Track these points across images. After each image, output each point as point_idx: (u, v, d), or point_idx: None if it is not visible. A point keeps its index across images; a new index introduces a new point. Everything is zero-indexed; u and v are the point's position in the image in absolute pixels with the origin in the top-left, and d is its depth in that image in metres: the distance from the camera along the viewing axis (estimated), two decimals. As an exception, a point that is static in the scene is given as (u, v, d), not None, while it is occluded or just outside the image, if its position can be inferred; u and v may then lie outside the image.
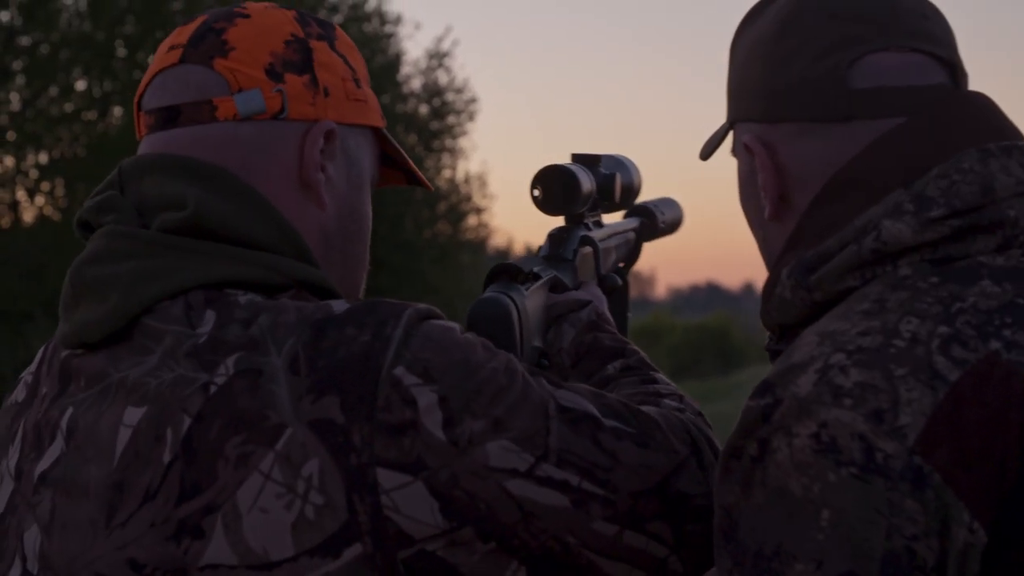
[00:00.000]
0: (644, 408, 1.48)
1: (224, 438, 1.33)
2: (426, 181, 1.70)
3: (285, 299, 1.42)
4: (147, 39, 19.32)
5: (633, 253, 2.09)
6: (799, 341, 1.33)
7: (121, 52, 19.81)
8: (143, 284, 1.41)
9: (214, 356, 1.37)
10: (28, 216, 19.83)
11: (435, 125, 24.44)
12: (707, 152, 1.63)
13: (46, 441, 1.44)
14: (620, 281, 1.91)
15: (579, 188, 1.81)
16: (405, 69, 24.43)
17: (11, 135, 19.26)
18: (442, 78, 24.61)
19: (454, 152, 24.91)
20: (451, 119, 24.64)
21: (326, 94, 1.53)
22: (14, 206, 19.69)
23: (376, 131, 1.63)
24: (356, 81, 1.58)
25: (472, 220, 25.38)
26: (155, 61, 1.55)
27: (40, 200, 19.86)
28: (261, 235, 1.45)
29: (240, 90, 1.49)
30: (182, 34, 1.54)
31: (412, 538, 1.33)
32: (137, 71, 19.39)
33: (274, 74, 1.50)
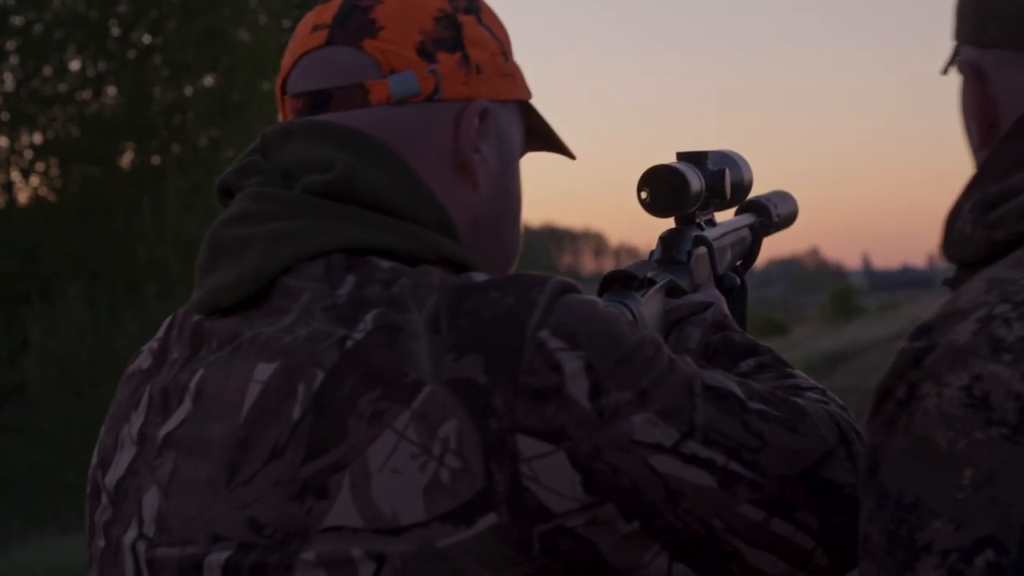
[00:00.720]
0: (791, 397, 1.40)
1: (358, 394, 1.27)
2: (569, 150, 1.63)
3: (428, 267, 1.36)
4: (141, 19, 19.42)
5: (751, 251, 2.01)
6: (967, 285, 1.28)
7: (115, 31, 20.03)
8: (282, 245, 1.36)
9: (354, 312, 1.31)
10: (23, 197, 20.05)
11: None
12: (943, 69, 1.53)
13: (173, 404, 1.39)
14: (739, 280, 1.83)
15: (688, 188, 1.74)
16: None
17: (5, 115, 19.51)
18: None
19: None
20: None
21: (478, 71, 1.47)
22: (8, 187, 19.84)
23: (523, 103, 1.57)
24: (504, 55, 1.52)
25: None
26: (296, 42, 1.49)
27: (35, 181, 20.00)
28: (408, 206, 1.40)
29: (392, 72, 1.44)
30: (324, 12, 1.48)
31: (551, 512, 1.26)
32: (131, 50, 19.31)
33: (426, 53, 1.45)
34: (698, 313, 1.69)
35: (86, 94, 19.80)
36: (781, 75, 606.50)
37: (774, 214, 2.01)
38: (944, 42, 1.55)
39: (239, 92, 17.98)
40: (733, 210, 2.02)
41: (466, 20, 1.48)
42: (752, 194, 2.01)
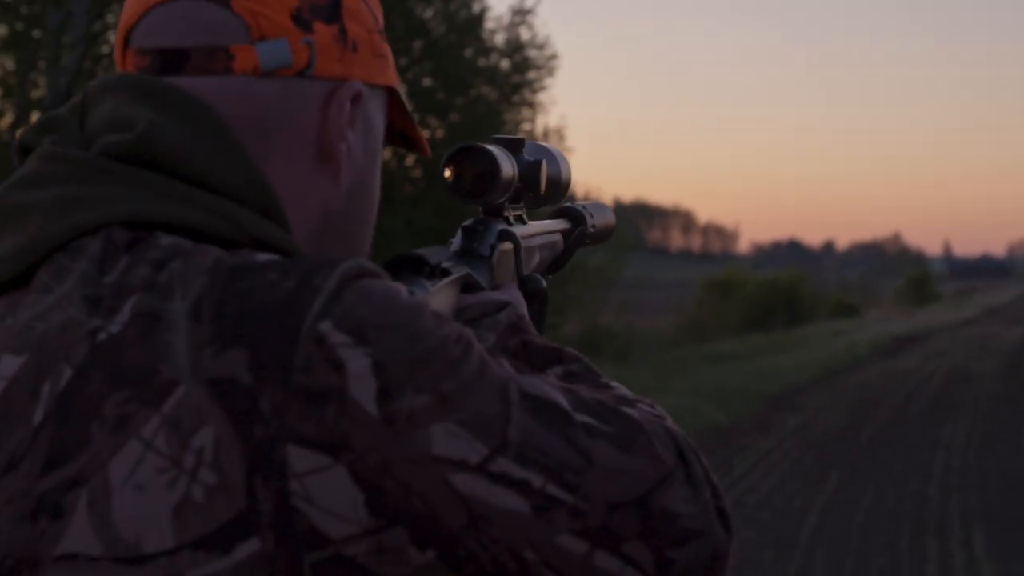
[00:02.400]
0: (623, 410, 1.18)
1: (104, 395, 1.06)
2: (426, 147, 1.42)
3: (216, 248, 1.13)
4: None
5: (559, 258, 1.76)
6: None
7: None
8: (61, 214, 1.15)
9: (114, 300, 1.10)
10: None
11: (516, 79, 24.87)
12: None
13: None
14: (544, 283, 1.58)
15: (499, 172, 1.51)
16: (489, 24, 24.90)
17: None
18: (524, 34, 24.97)
19: (534, 106, 25.36)
20: (531, 74, 25.07)
21: (355, 48, 1.26)
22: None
23: (390, 91, 1.34)
24: (381, 33, 1.31)
25: None
26: None
27: None
28: (221, 177, 1.17)
29: (263, 38, 1.21)
30: None
31: (327, 537, 1.05)
32: None
33: (301, 21, 1.22)
34: (491, 314, 1.41)
35: None
36: (871, 64, 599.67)
37: (590, 224, 1.79)
38: None
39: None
40: (548, 213, 1.84)
41: None
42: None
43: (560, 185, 1.70)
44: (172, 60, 1.22)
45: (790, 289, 46.66)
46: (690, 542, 1.15)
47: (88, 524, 1.05)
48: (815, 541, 9.80)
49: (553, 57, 24.87)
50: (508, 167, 1.54)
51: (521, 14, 24.45)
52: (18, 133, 1.21)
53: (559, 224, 1.76)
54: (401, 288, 1.13)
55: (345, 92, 1.25)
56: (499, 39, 24.70)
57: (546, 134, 25.45)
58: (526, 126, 25.17)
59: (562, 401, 1.14)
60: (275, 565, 1.05)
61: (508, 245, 1.56)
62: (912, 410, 18.45)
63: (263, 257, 1.12)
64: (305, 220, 1.25)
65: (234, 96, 1.21)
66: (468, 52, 23.68)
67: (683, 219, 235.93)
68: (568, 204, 1.80)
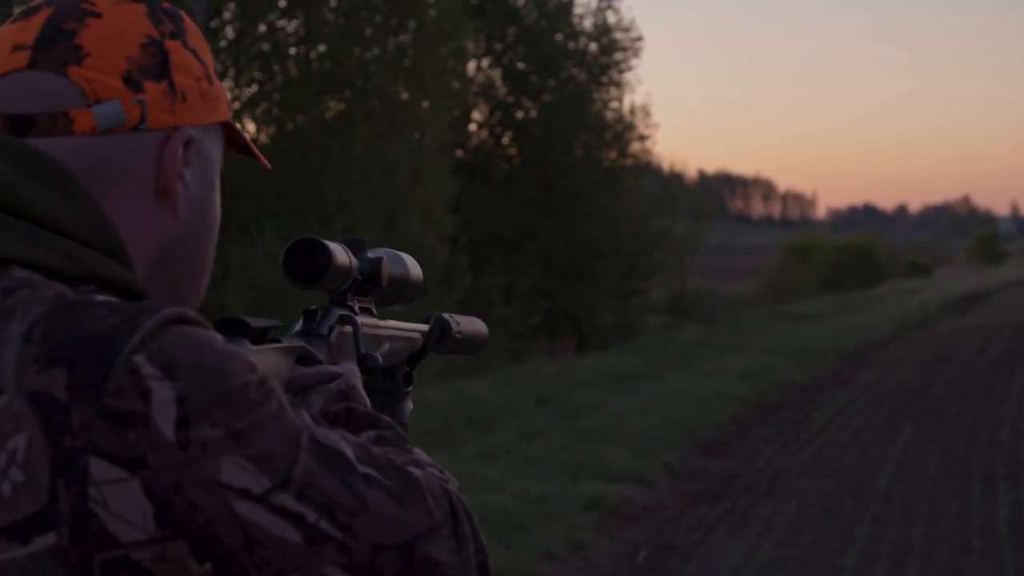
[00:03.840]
0: (407, 468, 1.26)
1: None
2: (264, 161, 1.50)
3: (62, 286, 1.21)
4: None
5: (417, 354, 1.85)
6: None
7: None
8: None
9: None
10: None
11: (603, 61, 24.84)
12: None
13: None
14: (380, 360, 1.64)
15: (331, 260, 1.58)
16: (577, 10, 24.91)
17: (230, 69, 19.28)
18: (611, 17, 25.06)
19: (620, 85, 25.26)
20: (618, 55, 25.03)
21: (183, 99, 1.33)
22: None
23: (225, 123, 1.42)
24: (208, 77, 1.37)
25: (636, 147, 25.55)
26: None
27: (251, 128, 19.78)
28: (68, 222, 1.25)
29: (98, 101, 1.28)
30: (26, 32, 1.31)
31: (117, 540, 1.13)
32: (332, 13, 19.24)
33: (132, 82, 1.29)
34: (324, 383, 1.48)
35: (296, 51, 19.93)
36: (939, 34, 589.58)
37: (455, 330, 1.91)
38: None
39: (418, 54, 18.00)
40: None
41: (172, 46, 1.33)
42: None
43: (408, 284, 1.77)
44: (20, 124, 1.28)
45: (865, 251, 46.32)
46: None
47: None
48: (891, 490, 9.75)
49: (638, 39, 24.81)
50: (343, 257, 1.61)
51: (608, -1, 24.34)
52: None
53: (418, 326, 1.85)
54: (217, 336, 1.20)
55: (177, 139, 1.31)
56: (587, 23, 24.73)
57: (632, 111, 25.35)
58: (614, 104, 25.03)
59: (349, 453, 1.21)
60: (68, 559, 1.12)
61: (348, 328, 1.63)
62: (981, 364, 18.24)
63: (101, 297, 1.19)
64: (146, 252, 1.32)
65: (77, 152, 1.27)
66: (559, 37, 23.64)
67: (764, 188, 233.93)
68: (437, 313, 1.90)
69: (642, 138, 25.36)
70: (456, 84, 19.73)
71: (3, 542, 1.12)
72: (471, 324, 1.98)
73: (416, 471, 1.27)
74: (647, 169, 26.21)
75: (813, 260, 43.36)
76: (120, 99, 1.28)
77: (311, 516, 1.17)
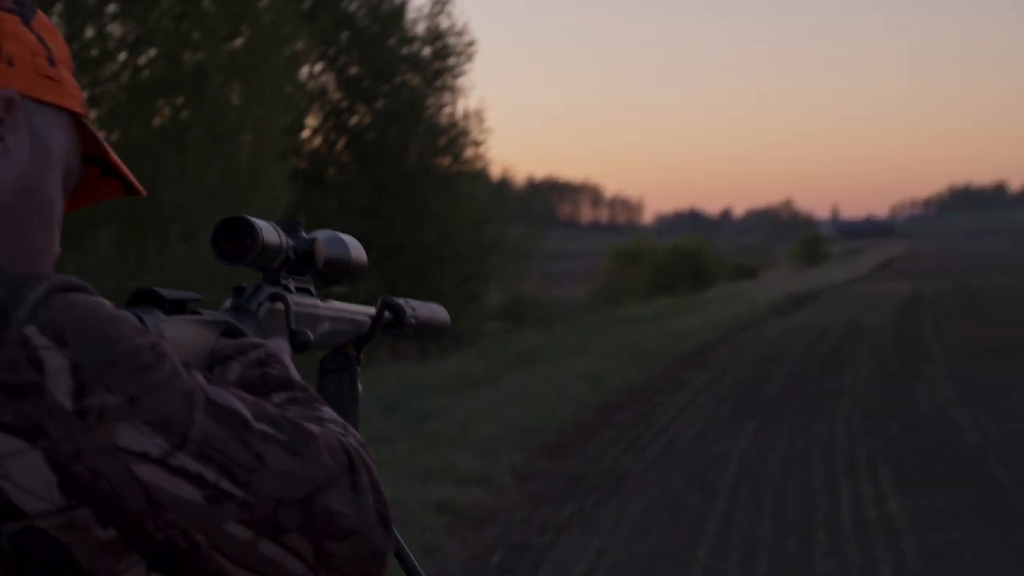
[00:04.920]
0: (304, 423, 1.28)
1: None
2: (140, 187, 1.50)
3: None
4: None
5: (365, 335, 1.85)
6: None
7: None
8: None
9: None
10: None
11: (437, 66, 24.94)
12: None
13: None
14: (311, 336, 1.64)
15: (256, 237, 1.58)
16: (410, 14, 25.10)
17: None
18: (444, 22, 25.16)
19: (454, 90, 25.36)
20: (451, 60, 25.14)
21: (10, 63, 1.32)
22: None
23: (76, 121, 1.41)
24: (50, 60, 1.37)
25: (470, 152, 25.66)
26: None
27: None
28: None
29: None
30: None
31: (22, 511, 1.14)
32: (164, 17, 18.99)
33: None
34: (245, 352, 1.48)
35: (125, 56, 19.58)
36: (761, 41, 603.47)
37: (409, 315, 1.92)
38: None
39: (255, 56, 17.81)
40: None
41: (7, 17, 1.33)
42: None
43: (346, 266, 1.77)
44: None
45: (693, 255, 47.09)
46: (347, 539, 1.24)
47: None
48: (737, 486, 9.88)
49: (471, 43, 24.93)
50: (271, 235, 1.62)
51: (440, 3, 24.66)
52: None
53: (366, 308, 1.87)
54: (104, 302, 1.21)
55: None
56: (420, 28, 24.82)
57: (466, 116, 25.45)
58: (447, 109, 25.14)
59: (244, 412, 1.23)
60: None
61: (279, 305, 1.63)
62: (812, 363, 18.64)
63: None
64: None
65: None
66: (392, 41, 23.64)
67: (591, 193, 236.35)
68: (391, 297, 1.92)
69: (476, 143, 25.49)
70: (289, 89, 19.55)
71: None
72: (428, 310, 1.98)
73: (313, 427, 1.28)
74: (482, 175, 26.28)
75: (643, 264, 43.96)
76: None
77: (210, 475, 1.18)
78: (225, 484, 1.19)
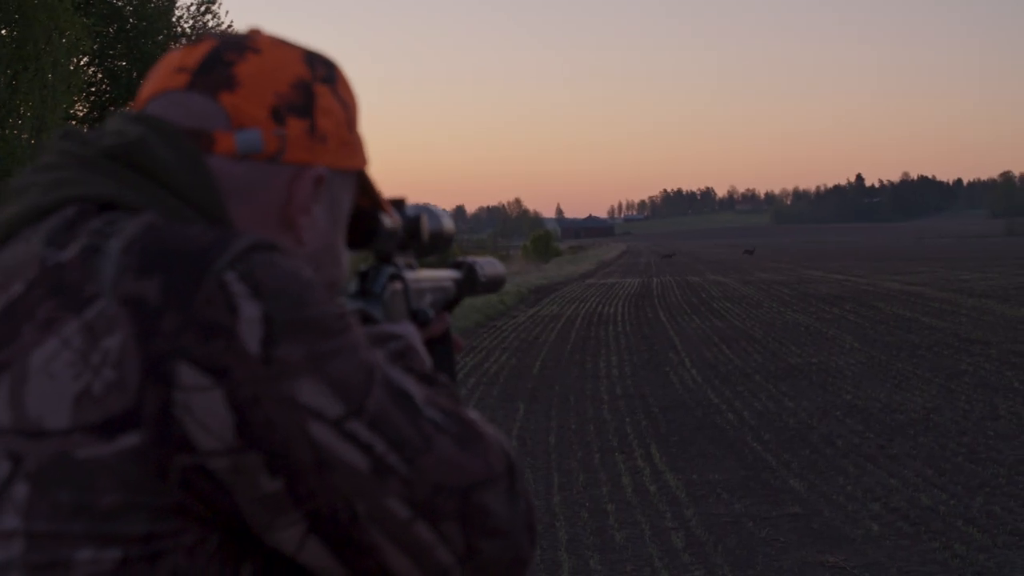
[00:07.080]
0: (474, 420, 1.27)
1: (39, 302, 1.17)
2: (391, 210, 1.53)
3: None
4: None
5: (451, 301, 1.86)
6: None
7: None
8: (54, 189, 1.25)
9: (66, 240, 1.20)
10: None
11: None
12: None
13: None
14: (432, 313, 1.66)
15: (379, 223, 1.56)
16: (178, 12, 24.81)
17: None
18: (209, 21, 24.87)
19: None
20: None
21: (323, 140, 1.34)
22: None
23: (359, 172, 1.44)
24: (351, 127, 1.39)
25: None
26: (160, 75, 1.36)
27: None
28: (183, 186, 1.26)
29: (241, 127, 1.30)
30: (191, 56, 1.35)
31: (196, 447, 1.13)
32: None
33: (278, 116, 1.32)
34: (384, 343, 1.45)
35: None
36: (492, 48, 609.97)
37: (480, 274, 1.94)
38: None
39: (34, 42, 17.20)
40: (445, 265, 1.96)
41: (321, 90, 1.35)
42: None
43: (443, 236, 1.78)
44: None
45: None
46: (497, 539, 1.22)
47: (7, 401, 1.15)
48: (520, 460, 9.98)
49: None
50: (388, 219, 1.60)
51: (207, 3, 24.38)
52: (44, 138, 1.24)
53: (452, 274, 1.87)
54: (303, 266, 1.21)
55: (309, 175, 1.33)
56: (187, 25, 24.52)
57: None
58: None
59: (417, 396, 1.22)
60: (148, 458, 1.12)
61: (399, 285, 1.63)
62: (567, 349, 18.99)
63: (196, 226, 1.22)
64: None
65: (214, 168, 1.30)
66: (159, 37, 23.20)
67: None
68: (463, 259, 1.94)
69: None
70: (58, 81, 18.95)
71: (92, 439, 1.12)
72: (492, 266, 1.99)
73: (479, 425, 1.26)
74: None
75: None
76: (262, 129, 1.30)
77: (379, 447, 1.17)
78: (392, 459, 1.17)
